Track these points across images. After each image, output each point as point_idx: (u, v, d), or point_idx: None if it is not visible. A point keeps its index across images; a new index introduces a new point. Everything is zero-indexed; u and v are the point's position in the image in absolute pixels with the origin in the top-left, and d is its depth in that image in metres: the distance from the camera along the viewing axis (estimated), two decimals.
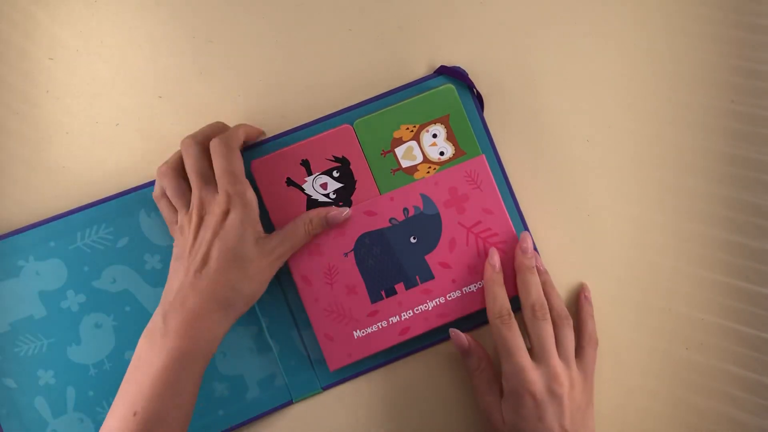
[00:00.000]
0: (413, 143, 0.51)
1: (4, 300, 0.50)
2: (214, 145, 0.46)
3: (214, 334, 0.44)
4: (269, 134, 0.53)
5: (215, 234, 0.45)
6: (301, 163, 0.50)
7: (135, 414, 0.41)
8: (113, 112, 0.53)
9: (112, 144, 0.53)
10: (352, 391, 0.52)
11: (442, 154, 0.51)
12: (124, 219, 0.51)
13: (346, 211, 0.50)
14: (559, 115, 0.54)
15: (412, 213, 0.51)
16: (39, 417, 0.50)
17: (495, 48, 0.55)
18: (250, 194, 0.46)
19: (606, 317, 0.52)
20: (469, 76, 0.53)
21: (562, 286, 0.53)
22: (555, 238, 0.53)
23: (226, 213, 0.45)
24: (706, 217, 0.53)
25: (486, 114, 0.53)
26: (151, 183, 0.51)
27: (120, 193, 0.51)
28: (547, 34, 0.55)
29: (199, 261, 0.44)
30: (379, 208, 0.51)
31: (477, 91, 0.53)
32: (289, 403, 0.51)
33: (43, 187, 0.52)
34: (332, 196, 0.50)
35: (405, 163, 0.51)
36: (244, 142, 0.50)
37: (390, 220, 0.51)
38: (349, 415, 0.52)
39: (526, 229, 0.52)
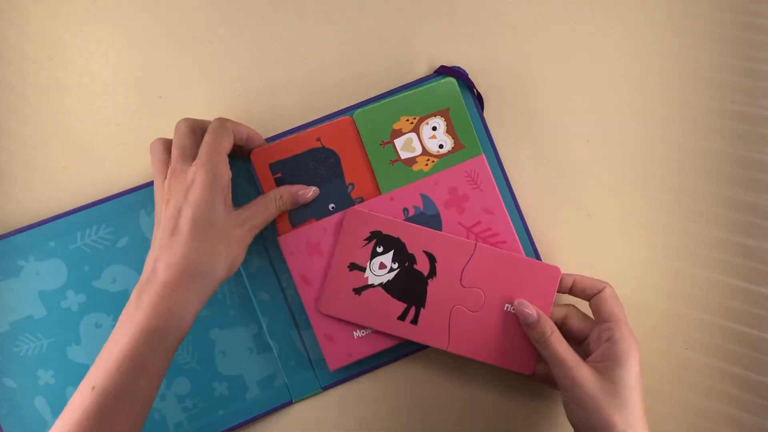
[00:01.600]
0: (413, 135, 0.51)
1: (4, 300, 0.50)
2: (212, 124, 0.46)
3: (187, 309, 0.43)
4: (269, 134, 0.53)
5: (183, 201, 0.43)
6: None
7: (93, 388, 0.41)
8: (113, 112, 0.53)
9: (112, 144, 0.53)
10: (352, 391, 0.52)
11: (441, 146, 0.51)
12: (124, 219, 0.51)
13: (313, 190, 0.50)
14: (559, 115, 0.54)
15: (412, 213, 0.51)
16: (39, 417, 0.50)
17: (495, 48, 0.55)
18: (223, 168, 0.45)
19: None
20: (469, 76, 0.53)
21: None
22: (555, 238, 0.53)
23: (193, 180, 0.44)
24: (706, 217, 0.53)
25: (486, 114, 0.53)
26: (151, 183, 0.51)
27: (120, 193, 0.51)
28: (547, 34, 0.55)
29: (170, 230, 0.43)
30: (378, 208, 0.51)
31: (477, 91, 0.53)
32: (289, 403, 0.51)
33: (43, 187, 0.52)
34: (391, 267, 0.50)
35: (404, 155, 0.51)
36: (243, 145, 0.49)
37: None
38: (349, 415, 0.52)
39: (526, 229, 0.52)
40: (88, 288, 0.50)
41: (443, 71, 0.53)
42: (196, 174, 0.44)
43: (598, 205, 0.54)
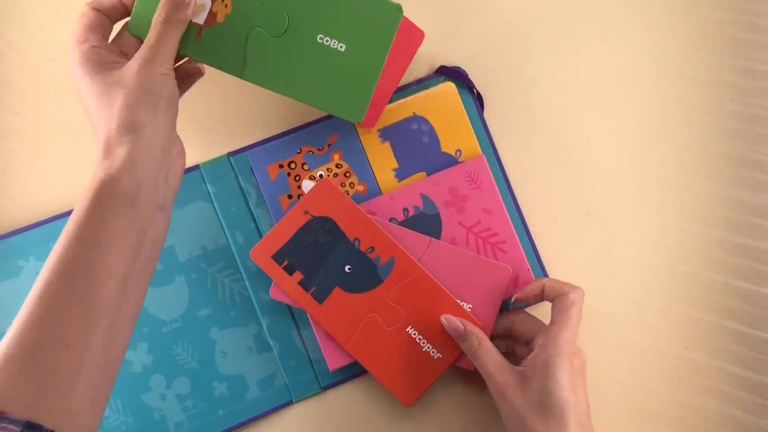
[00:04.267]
0: None
1: (4, 300, 0.50)
2: None
3: (144, 147, 0.39)
4: (273, 133, 0.52)
5: None
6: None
7: (52, 263, 0.37)
8: None
9: None
10: (352, 391, 0.52)
11: None
12: None
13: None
14: (559, 115, 0.54)
15: (412, 213, 0.51)
16: None
17: (495, 48, 0.55)
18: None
19: (606, 317, 0.52)
20: (469, 76, 0.53)
21: None
22: (555, 238, 0.53)
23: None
24: (706, 217, 0.53)
25: (486, 114, 0.53)
26: None
27: None
28: (547, 34, 0.55)
29: None
30: (379, 208, 0.51)
31: (477, 91, 0.53)
32: (289, 403, 0.51)
33: (43, 187, 0.52)
34: None
35: None
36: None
37: (390, 220, 0.51)
38: (349, 415, 0.52)
39: (526, 229, 0.52)
40: None
41: (443, 71, 0.53)
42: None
43: (597, 204, 0.54)
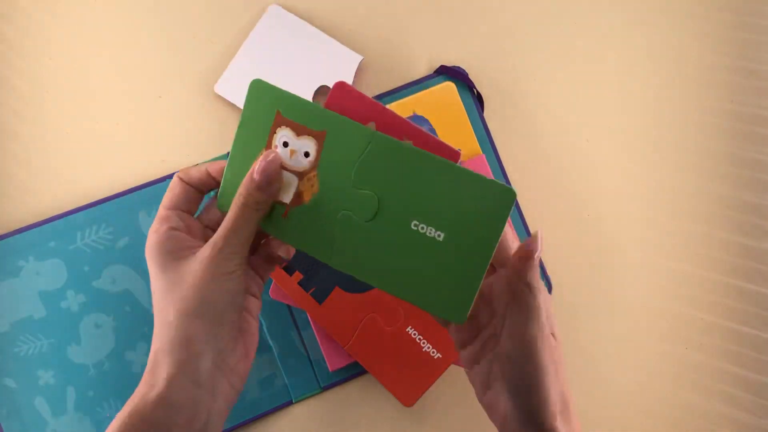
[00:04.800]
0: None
1: (4, 300, 0.50)
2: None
3: (183, 371, 0.36)
4: None
5: None
6: None
7: None
8: (113, 112, 0.53)
9: (112, 144, 0.53)
10: (351, 392, 0.52)
11: None
12: (124, 219, 0.51)
13: (271, 154, 0.37)
14: (559, 115, 0.54)
15: None
16: (39, 417, 0.50)
17: (495, 48, 0.55)
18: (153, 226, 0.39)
19: (606, 317, 0.52)
20: (469, 76, 0.53)
21: (562, 285, 0.53)
22: (555, 238, 0.53)
23: None
24: (706, 217, 0.53)
25: (486, 114, 0.53)
26: (151, 183, 0.51)
27: (120, 193, 0.51)
28: (548, 34, 0.55)
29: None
30: None
31: (477, 91, 0.53)
32: (289, 403, 0.51)
33: (43, 187, 0.52)
34: None
35: None
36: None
37: None
38: (349, 416, 0.52)
39: (526, 229, 0.52)
40: (88, 288, 0.50)
41: (443, 71, 0.53)
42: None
43: (597, 204, 0.54)
